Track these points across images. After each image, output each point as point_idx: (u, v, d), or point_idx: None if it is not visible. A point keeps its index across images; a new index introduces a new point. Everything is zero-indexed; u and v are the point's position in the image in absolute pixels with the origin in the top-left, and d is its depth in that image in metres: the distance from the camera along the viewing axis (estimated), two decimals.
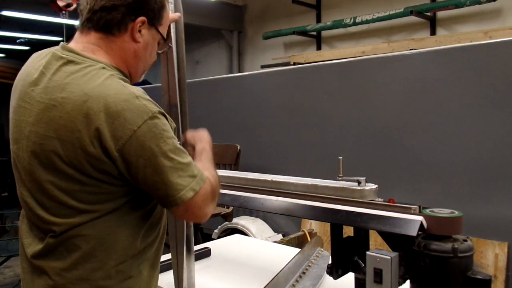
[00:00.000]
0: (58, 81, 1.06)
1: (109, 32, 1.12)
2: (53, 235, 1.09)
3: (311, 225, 3.50)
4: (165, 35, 1.23)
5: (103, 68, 1.08)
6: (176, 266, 1.62)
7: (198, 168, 1.13)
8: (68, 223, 1.07)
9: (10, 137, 1.15)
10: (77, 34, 1.17)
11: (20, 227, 1.20)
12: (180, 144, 1.10)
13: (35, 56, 1.18)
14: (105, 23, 1.11)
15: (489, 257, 2.59)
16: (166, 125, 1.06)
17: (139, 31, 1.14)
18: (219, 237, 3.51)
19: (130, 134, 1.00)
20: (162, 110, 1.07)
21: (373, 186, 1.41)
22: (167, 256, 1.72)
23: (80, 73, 1.05)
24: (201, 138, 1.40)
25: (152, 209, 1.18)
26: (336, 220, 1.37)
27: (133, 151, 1.01)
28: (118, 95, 1.02)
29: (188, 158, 1.10)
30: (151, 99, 1.07)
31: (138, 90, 1.07)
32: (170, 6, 1.37)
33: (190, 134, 1.44)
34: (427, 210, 1.24)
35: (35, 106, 1.07)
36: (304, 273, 1.79)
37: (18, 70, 1.21)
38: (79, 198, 1.06)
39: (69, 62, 1.08)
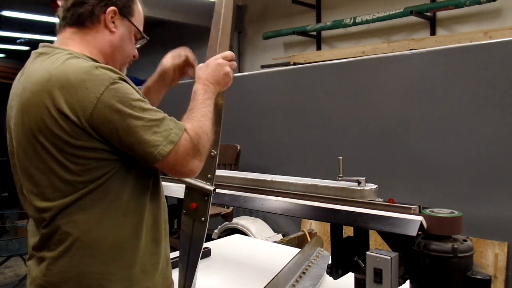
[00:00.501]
0: (30, 71, 1.13)
1: (82, 25, 1.18)
2: (45, 224, 1.11)
3: (311, 225, 3.49)
4: (140, 28, 1.28)
5: (70, 54, 1.12)
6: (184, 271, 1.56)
7: (175, 121, 1.13)
8: (56, 206, 1.08)
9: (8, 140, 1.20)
10: (57, 35, 1.23)
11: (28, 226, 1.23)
12: None
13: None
14: (77, 17, 1.18)
15: (489, 257, 2.59)
16: (129, 89, 1.09)
17: (113, 22, 1.20)
18: (219, 237, 3.50)
19: (95, 102, 1.03)
20: (123, 76, 1.11)
21: (373, 186, 1.41)
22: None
23: (48, 60, 1.11)
24: (205, 69, 1.34)
25: (143, 187, 1.17)
26: (336, 220, 1.37)
27: (102, 118, 1.04)
28: (78, 69, 1.06)
29: (159, 115, 1.11)
30: (113, 68, 1.11)
31: (100, 63, 1.12)
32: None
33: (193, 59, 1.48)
34: (427, 210, 1.24)
35: (16, 100, 1.14)
36: (304, 273, 1.79)
37: (18, 70, 1.23)
38: (63, 177, 1.08)
39: (41, 54, 1.15)
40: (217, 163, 1.41)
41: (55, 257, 1.10)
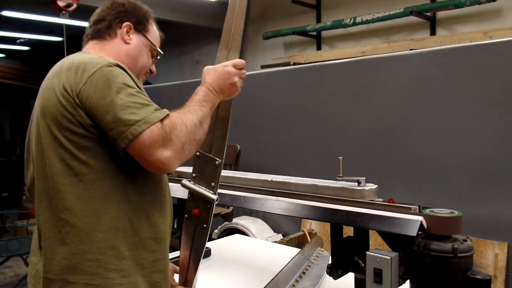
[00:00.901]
0: (51, 70, 1.24)
1: (101, 37, 1.34)
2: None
3: (311, 225, 3.50)
4: (156, 45, 1.41)
5: (85, 53, 1.26)
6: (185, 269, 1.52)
7: (162, 110, 1.12)
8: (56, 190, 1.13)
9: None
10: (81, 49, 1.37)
11: None
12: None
13: None
14: (97, 31, 1.34)
15: (489, 257, 2.59)
16: (123, 74, 1.14)
17: (128, 35, 1.34)
18: (219, 237, 3.51)
19: (86, 78, 1.11)
20: (123, 66, 1.17)
21: (373, 186, 1.41)
22: None
23: (67, 58, 1.23)
24: (212, 74, 1.32)
25: (140, 177, 1.18)
26: (336, 220, 1.37)
27: (88, 93, 1.10)
28: (85, 57, 1.19)
29: (145, 101, 1.11)
30: (119, 63, 1.18)
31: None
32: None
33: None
34: (427, 210, 1.24)
35: (38, 97, 1.22)
36: (304, 273, 1.79)
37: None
38: (64, 159, 1.11)
39: (65, 58, 1.25)
40: (221, 171, 1.38)
41: (55, 245, 1.13)
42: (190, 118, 1.16)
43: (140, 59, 1.37)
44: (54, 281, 1.12)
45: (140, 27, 1.37)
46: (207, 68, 1.34)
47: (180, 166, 1.15)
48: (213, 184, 1.36)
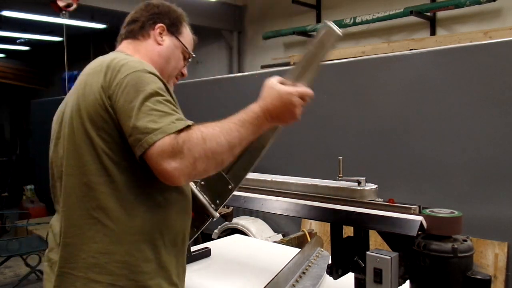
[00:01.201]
0: (88, 66, 1.26)
1: (135, 37, 1.36)
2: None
3: (311, 225, 3.49)
4: (188, 48, 1.42)
5: (125, 53, 1.27)
6: None
7: (179, 118, 1.07)
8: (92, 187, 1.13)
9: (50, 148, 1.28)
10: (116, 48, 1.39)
11: None
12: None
13: None
14: (131, 31, 1.37)
15: (489, 257, 2.59)
16: (155, 82, 1.12)
17: (161, 36, 1.35)
18: (219, 237, 3.50)
19: (118, 80, 1.12)
20: (157, 74, 1.16)
21: (373, 186, 1.41)
22: None
23: (106, 56, 1.25)
24: (274, 97, 1.16)
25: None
26: (336, 220, 1.37)
27: (116, 95, 1.10)
28: (124, 58, 1.19)
29: (166, 109, 1.07)
30: (157, 73, 1.17)
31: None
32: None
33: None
34: (427, 210, 1.24)
35: (75, 88, 1.23)
36: (304, 273, 1.79)
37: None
38: (100, 156, 1.12)
39: (102, 56, 1.27)
40: (230, 195, 1.37)
41: (82, 243, 1.13)
42: (216, 135, 1.06)
43: (172, 60, 1.38)
44: (79, 278, 1.12)
45: (173, 29, 1.38)
46: (272, 84, 1.17)
47: (194, 180, 1.14)
48: (218, 201, 1.37)
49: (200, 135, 1.05)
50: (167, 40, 1.37)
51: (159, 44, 1.35)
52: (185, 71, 1.45)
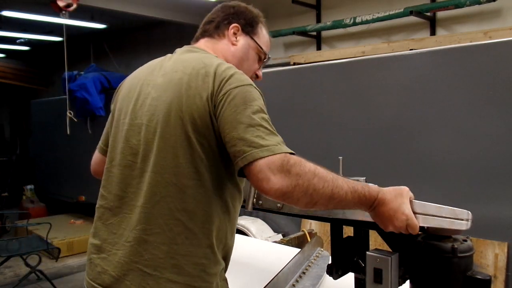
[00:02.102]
0: (178, 59, 1.28)
1: (211, 36, 1.39)
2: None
3: (311, 225, 3.50)
4: (264, 48, 1.42)
5: (215, 57, 1.29)
6: None
7: (282, 141, 1.10)
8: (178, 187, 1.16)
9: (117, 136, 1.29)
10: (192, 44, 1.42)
11: None
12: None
13: (147, 64, 1.39)
14: (207, 30, 1.40)
15: (489, 257, 2.59)
16: (261, 99, 1.17)
17: (235, 37, 1.37)
18: None
19: (227, 90, 1.13)
20: (259, 90, 1.20)
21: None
22: None
23: (198, 54, 1.30)
24: (394, 198, 1.13)
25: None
26: (336, 220, 1.37)
27: (223, 104, 1.12)
28: (228, 67, 1.20)
29: (271, 128, 1.12)
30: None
31: None
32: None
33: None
34: None
35: (156, 82, 1.24)
36: (304, 273, 1.79)
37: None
38: (189, 157, 1.14)
39: (189, 51, 1.34)
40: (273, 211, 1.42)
41: (161, 242, 1.14)
42: (326, 180, 1.05)
43: (246, 61, 1.39)
44: (154, 277, 1.13)
45: (248, 29, 1.39)
46: (404, 193, 1.15)
47: (282, 201, 1.16)
48: (261, 202, 1.44)
49: (314, 169, 1.05)
50: (242, 40, 1.38)
51: (233, 44, 1.37)
52: (260, 72, 1.46)
